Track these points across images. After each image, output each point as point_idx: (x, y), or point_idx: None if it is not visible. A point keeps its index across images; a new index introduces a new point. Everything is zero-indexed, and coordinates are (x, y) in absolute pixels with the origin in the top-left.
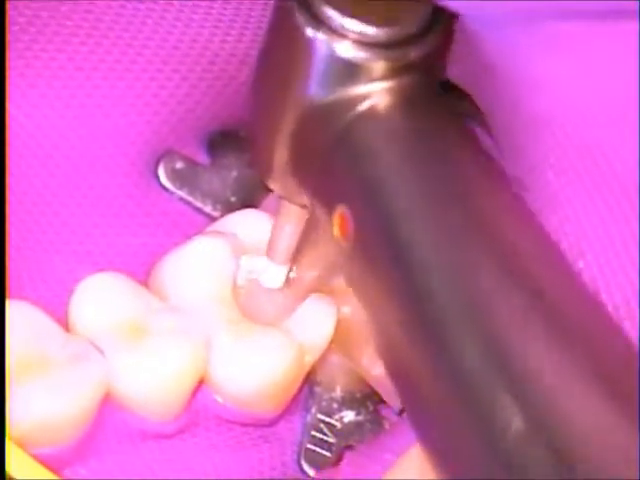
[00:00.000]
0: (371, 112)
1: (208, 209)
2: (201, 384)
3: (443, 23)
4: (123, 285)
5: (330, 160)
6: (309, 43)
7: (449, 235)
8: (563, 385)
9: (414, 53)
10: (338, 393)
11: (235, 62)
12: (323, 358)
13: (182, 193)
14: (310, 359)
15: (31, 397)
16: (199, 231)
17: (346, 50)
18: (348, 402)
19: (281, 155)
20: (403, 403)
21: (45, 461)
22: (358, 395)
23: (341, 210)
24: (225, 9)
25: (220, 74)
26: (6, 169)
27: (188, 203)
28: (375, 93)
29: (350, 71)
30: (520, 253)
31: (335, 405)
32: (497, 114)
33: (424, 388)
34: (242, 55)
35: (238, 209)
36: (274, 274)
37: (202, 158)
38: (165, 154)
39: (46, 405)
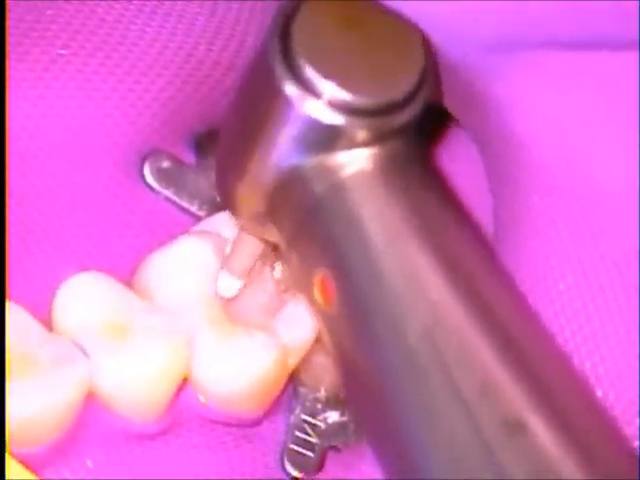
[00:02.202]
0: (353, 178)
1: (194, 209)
2: (184, 384)
3: (429, 85)
4: (106, 285)
5: (310, 222)
6: (290, 106)
7: (435, 298)
8: None
9: (398, 120)
10: (322, 394)
11: (220, 69)
12: (307, 358)
13: (168, 193)
14: (294, 360)
15: (14, 396)
16: (185, 231)
17: (328, 115)
18: (332, 403)
19: (254, 206)
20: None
21: (27, 461)
22: (342, 396)
23: (323, 274)
24: (210, 20)
25: (205, 79)
26: (6, 171)
27: (174, 203)
28: (357, 159)
29: (332, 136)
30: (503, 318)
31: (319, 406)
32: (485, 139)
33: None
34: (227, 63)
35: (224, 209)
36: (229, 284)
37: (188, 158)
38: (151, 154)
39: (29, 405)
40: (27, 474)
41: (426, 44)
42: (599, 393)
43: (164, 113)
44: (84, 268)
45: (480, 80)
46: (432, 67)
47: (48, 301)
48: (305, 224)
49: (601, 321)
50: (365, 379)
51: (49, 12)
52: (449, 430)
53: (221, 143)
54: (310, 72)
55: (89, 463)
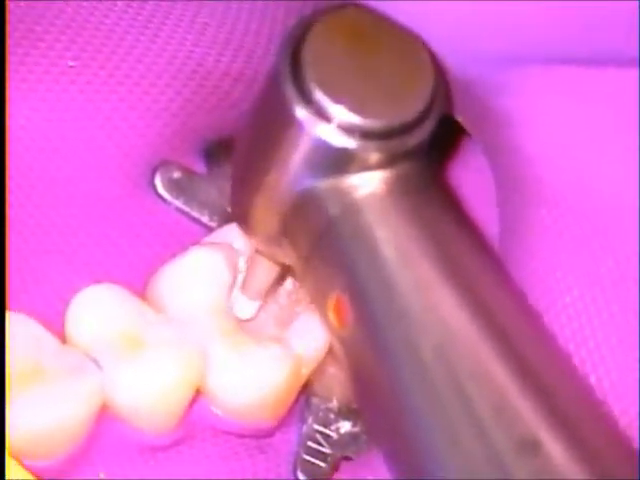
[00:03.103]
0: (365, 200)
1: (205, 219)
2: (198, 396)
3: (440, 106)
4: (119, 297)
5: (324, 245)
6: (301, 129)
7: (448, 318)
8: None
9: (410, 142)
10: (335, 404)
11: (229, 80)
12: (320, 369)
13: (179, 203)
14: (306, 370)
15: (27, 409)
16: (196, 241)
17: (339, 139)
18: (344, 413)
19: (268, 227)
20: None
21: (40, 473)
22: (354, 406)
23: (337, 296)
24: (219, 31)
25: (214, 90)
26: (6, 177)
27: (185, 213)
28: (369, 181)
29: (343, 159)
30: (516, 336)
31: (331, 416)
32: (494, 152)
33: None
34: (236, 74)
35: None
36: (245, 306)
37: (199, 168)
38: (162, 164)
39: (42, 417)
40: (27, 475)
41: (436, 63)
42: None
43: (174, 124)
44: (96, 280)
45: (489, 94)
46: (442, 85)
47: (61, 313)
48: (319, 246)
49: (607, 334)
50: (380, 399)
51: (58, 22)
52: (464, 449)
53: (235, 164)
54: (320, 96)
55: (102, 475)
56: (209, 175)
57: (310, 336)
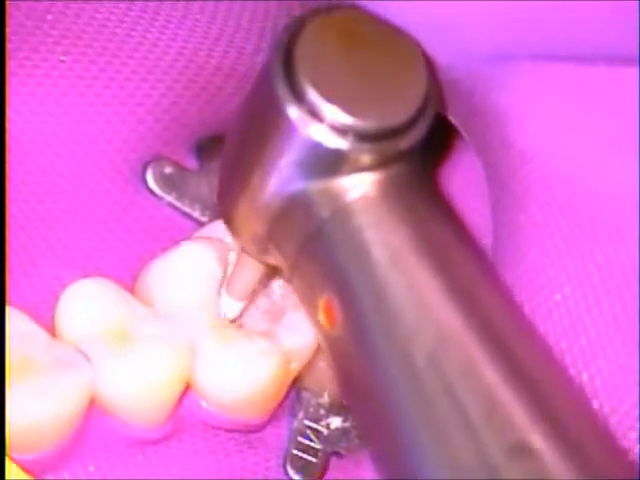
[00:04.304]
0: (356, 202)
1: (196, 214)
2: (187, 390)
3: (433, 108)
4: (109, 291)
5: (313, 247)
6: (292, 129)
7: (439, 321)
8: None
9: (402, 144)
10: (325, 399)
11: (221, 75)
12: (310, 364)
13: (170, 198)
14: (296, 365)
15: (16, 402)
16: (187, 236)
17: (331, 139)
18: (335, 408)
19: (254, 228)
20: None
21: (29, 466)
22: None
23: (327, 298)
24: (210, 27)
25: (206, 85)
26: (6, 175)
27: (176, 208)
28: (361, 183)
29: (335, 160)
30: (508, 340)
31: (322, 411)
32: (485, 148)
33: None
34: (228, 69)
35: None
36: (230, 306)
37: (191, 163)
38: (154, 159)
39: (31, 410)
40: (25, 476)
41: (429, 64)
42: (595, 404)
43: (166, 119)
44: (86, 274)
45: (481, 90)
46: (436, 86)
47: (51, 307)
48: (308, 248)
49: (598, 332)
50: (370, 401)
51: (49, 17)
52: (455, 453)
53: (222, 163)
54: (313, 95)
55: (91, 468)
56: (201, 171)
57: (300, 331)
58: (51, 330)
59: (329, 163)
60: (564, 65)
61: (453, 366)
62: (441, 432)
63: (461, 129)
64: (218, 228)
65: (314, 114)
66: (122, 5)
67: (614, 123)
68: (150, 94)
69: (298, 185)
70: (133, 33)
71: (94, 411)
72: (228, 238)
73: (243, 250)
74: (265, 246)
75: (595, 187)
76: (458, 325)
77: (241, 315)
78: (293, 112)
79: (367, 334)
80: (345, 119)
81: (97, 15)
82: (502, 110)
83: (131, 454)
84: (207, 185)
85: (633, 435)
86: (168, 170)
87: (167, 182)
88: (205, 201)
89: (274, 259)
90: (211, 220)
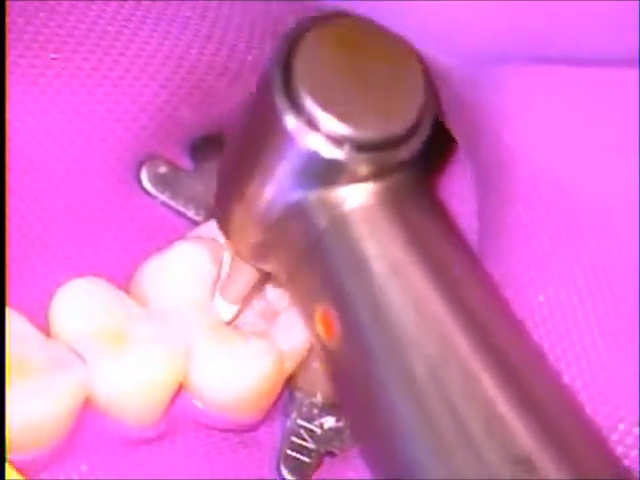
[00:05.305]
0: (354, 213)
1: (191, 214)
2: (181, 390)
3: (430, 119)
4: (103, 291)
5: (311, 257)
6: (290, 138)
7: (438, 332)
8: None
9: (400, 155)
10: (319, 399)
11: (213, 73)
12: (304, 364)
13: (165, 197)
14: (290, 365)
15: (10, 402)
16: (181, 236)
17: (328, 149)
18: (329, 408)
19: (251, 237)
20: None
21: (22, 466)
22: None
23: (325, 308)
24: (201, 25)
25: (199, 83)
26: (6, 174)
27: (171, 208)
28: (358, 193)
29: (332, 170)
30: (508, 351)
31: (315, 411)
32: (473, 147)
33: None
34: (220, 68)
35: None
36: (224, 309)
37: (185, 163)
38: (148, 159)
39: (25, 410)
40: (18, 476)
41: (428, 74)
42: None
43: (159, 117)
44: (80, 273)
45: (470, 88)
46: (434, 97)
47: (45, 306)
48: (305, 259)
49: (580, 333)
50: (368, 412)
51: (41, 15)
52: (456, 468)
53: (221, 168)
54: (310, 105)
55: (84, 468)
56: (195, 170)
57: (294, 330)
58: (45, 330)
59: (326, 173)
60: (561, 67)
61: (453, 378)
62: (441, 446)
63: (449, 125)
64: (212, 228)
65: (311, 123)
66: (113, 3)
67: (605, 125)
68: (143, 92)
69: (295, 195)
70: (125, 31)
71: (88, 411)
72: (222, 238)
73: (238, 255)
74: (261, 254)
75: (583, 190)
76: (458, 336)
77: (236, 317)
78: (290, 121)
79: (366, 346)
80: (341, 129)
81: (89, 13)
82: (491, 108)
83: (124, 453)
84: (202, 185)
85: (615, 437)
86: (162, 169)
87: (161, 181)
88: (199, 201)
89: (270, 267)
90: (205, 220)
